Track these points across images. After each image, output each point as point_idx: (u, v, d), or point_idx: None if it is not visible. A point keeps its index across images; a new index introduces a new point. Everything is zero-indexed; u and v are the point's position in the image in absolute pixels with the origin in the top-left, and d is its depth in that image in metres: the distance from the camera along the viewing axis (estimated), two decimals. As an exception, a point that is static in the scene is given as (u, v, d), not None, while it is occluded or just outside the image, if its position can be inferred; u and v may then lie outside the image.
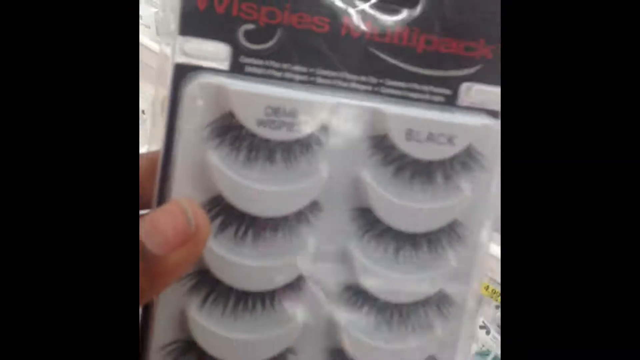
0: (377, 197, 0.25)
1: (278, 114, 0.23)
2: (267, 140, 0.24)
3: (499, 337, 0.64)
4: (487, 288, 0.65)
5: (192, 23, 0.23)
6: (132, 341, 0.18)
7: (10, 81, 0.18)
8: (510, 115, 0.22)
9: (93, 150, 0.18)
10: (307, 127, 0.24)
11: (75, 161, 0.18)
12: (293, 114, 0.23)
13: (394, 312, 0.26)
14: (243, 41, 0.23)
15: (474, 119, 0.25)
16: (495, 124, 0.25)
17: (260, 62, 0.24)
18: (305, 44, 0.24)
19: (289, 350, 0.26)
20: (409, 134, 0.24)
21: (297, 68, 0.24)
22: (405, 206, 0.25)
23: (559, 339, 0.20)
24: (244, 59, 0.24)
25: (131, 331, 0.18)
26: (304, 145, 0.24)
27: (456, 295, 0.27)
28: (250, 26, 0.23)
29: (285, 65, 0.24)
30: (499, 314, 0.66)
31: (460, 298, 0.27)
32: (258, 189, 0.24)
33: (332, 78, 0.24)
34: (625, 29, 0.21)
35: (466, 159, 0.26)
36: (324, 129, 0.24)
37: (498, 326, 0.65)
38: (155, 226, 0.21)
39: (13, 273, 0.17)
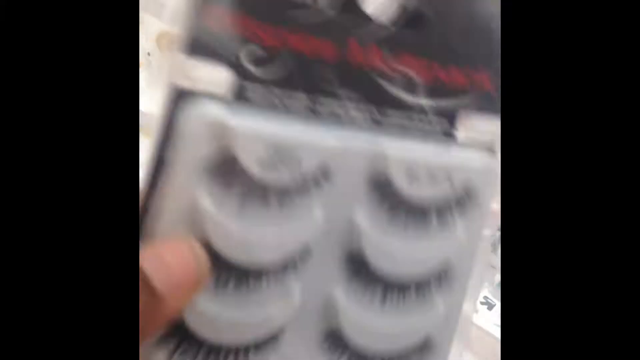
0: (371, 240, 0.23)
1: (280, 154, 0.21)
2: (263, 182, 0.21)
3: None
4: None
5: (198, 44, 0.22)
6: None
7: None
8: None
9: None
10: (307, 167, 0.22)
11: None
12: (294, 155, 0.21)
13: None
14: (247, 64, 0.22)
15: (473, 156, 0.25)
16: (494, 163, 0.25)
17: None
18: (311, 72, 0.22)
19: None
20: (410, 175, 0.23)
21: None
22: (398, 251, 0.24)
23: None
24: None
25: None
26: (302, 188, 0.22)
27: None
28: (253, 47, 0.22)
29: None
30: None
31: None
32: (251, 238, 0.21)
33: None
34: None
35: (463, 197, 0.25)
36: (324, 170, 0.22)
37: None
38: (166, 264, 0.20)
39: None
